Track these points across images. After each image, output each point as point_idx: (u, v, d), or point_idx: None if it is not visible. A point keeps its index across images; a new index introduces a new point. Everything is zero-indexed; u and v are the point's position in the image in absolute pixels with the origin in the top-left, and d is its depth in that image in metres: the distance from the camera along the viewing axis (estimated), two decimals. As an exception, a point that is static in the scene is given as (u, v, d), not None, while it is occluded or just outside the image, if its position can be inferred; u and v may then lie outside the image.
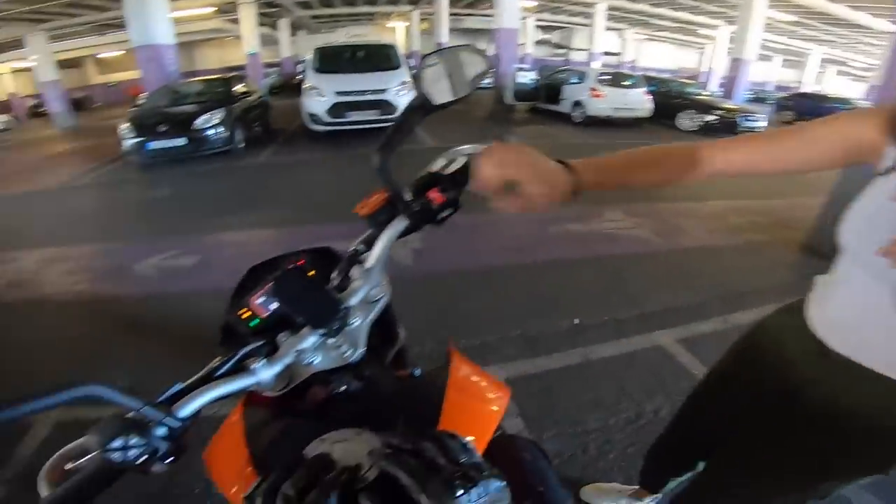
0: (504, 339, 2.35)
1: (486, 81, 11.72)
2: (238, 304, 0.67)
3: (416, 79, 0.65)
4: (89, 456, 0.46)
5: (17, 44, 14.94)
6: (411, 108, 0.64)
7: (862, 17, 13.99)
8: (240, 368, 0.55)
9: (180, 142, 6.21)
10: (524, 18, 20.56)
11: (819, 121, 0.67)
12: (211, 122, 6.36)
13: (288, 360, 0.55)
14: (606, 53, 22.41)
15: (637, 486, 1.46)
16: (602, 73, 9.68)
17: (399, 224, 0.64)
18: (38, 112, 20.38)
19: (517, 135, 9.01)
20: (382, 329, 0.77)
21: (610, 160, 0.67)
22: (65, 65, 18.81)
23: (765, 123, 9.13)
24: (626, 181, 0.70)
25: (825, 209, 3.50)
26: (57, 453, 0.47)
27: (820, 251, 3.41)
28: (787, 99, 14.84)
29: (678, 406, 1.93)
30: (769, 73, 28.56)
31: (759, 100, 20.54)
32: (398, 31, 27.29)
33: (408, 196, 0.64)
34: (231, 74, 8.40)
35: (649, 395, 1.98)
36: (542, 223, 3.93)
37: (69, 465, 0.46)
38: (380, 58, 7.97)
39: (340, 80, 7.13)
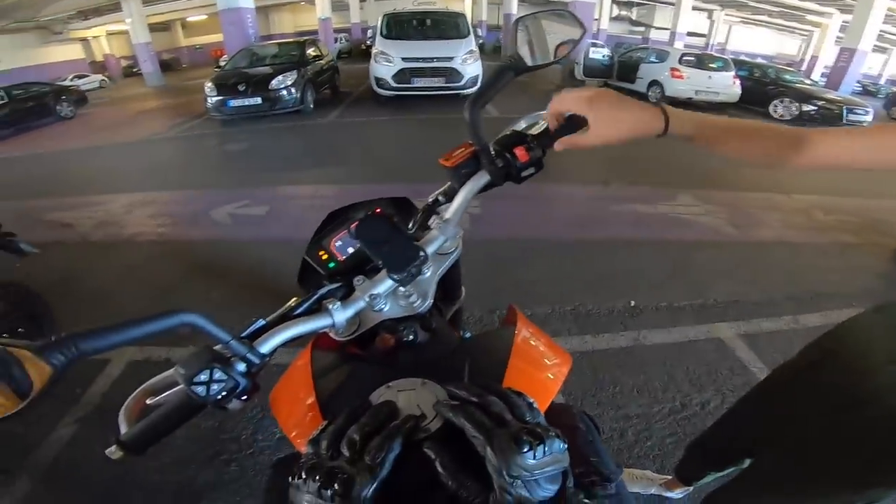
0: (555, 313, 2.33)
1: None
2: (318, 245, 0.69)
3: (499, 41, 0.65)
4: (171, 391, 0.47)
5: (114, 7, 16.13)
6: (504, 67, 0.64)
7: None
8: (316, 309, 0.56)
9: (257, 101, 6.61)
10: (601, -8, 19.40)
11: None
12: (285, 84, 6.69)
13: (361, 304, 0.57)
14: (690, 34, 20.67)
15: (669, 477, 1.44)
16: (685, 54, 9.04)
17: (481, 178, 0.64)
18: (131, 72, 22.12)
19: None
20: (447, 285, 0.79)
21: (709, 117, 0.64)
22: (155, 28, 20.10)
23: (870, 118, 8.15)
24: (721, 143, 0.64)
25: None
26: (139, 388, 0.48)
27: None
28: (902, 93, 13.03)
29: (729, 401, 1.83)
30: (886, 66, 25.23)
31: (868, 93, 18.29)
32: (466, 1, 26.67)
33: (493, 152, 0.65)
34: (304, 38, 8.64)
35: (699, 388, 1.90)
36: (608, 201, 3.82)
37: (150, 400, 0.48)
38: (447, 26, 7.90)
39: (408, 46, 7.16)
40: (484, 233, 3.11)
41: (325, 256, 0.67)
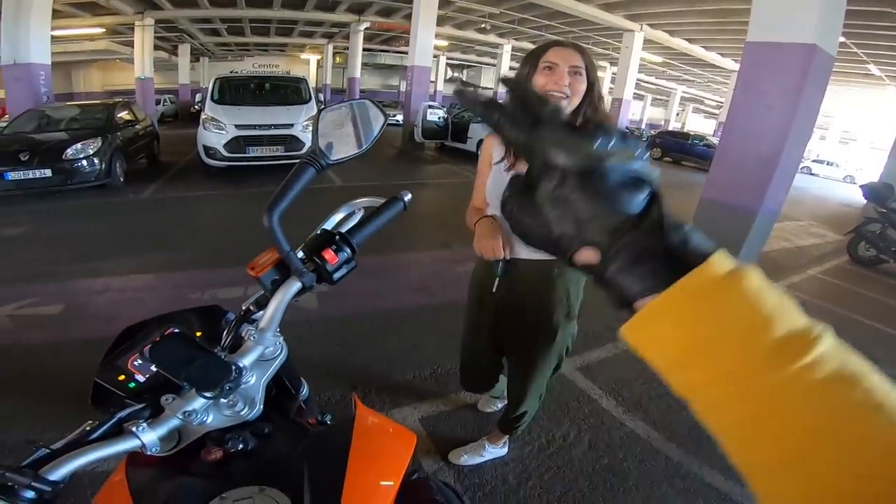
0: (416, 378, 2.35)
1: (397, 118, 11.88)
2: (113, 365, 0.62)
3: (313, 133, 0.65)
4: None
5: None
6: (304, 164, 0.62)
7: (713, 57, 15.76)
8: (118, 431, 0.51)
9: (46, 173, 5.39)
10: (436, 56, 21.27)
11: None
12: (84, 153, 5.63)
13: (174, 422, 0.52)
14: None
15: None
16: (501, 113, 10.22)
17: (292, 286, 0.62)
18: None
19: (424, 174, 9.14)
20: (283, 384, 0.77)
21: None
22: None
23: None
24: None
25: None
26: None
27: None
28: (656, 137, 16.12)
29: (584, 430, 2.06)
30: (642, 112, 31.80)
31: (633, 136, 23.14)
32: (311, 64, 26.94)
33: (301, 255, 0.63)
34: (115, 100, 7.57)
35: (557, 423, 2.10)
36: (450, 263, 4.03)
37: None
38: (288, 91, 7.76)
39: (243, 112, 6.75)
40: (335, 310, 3.00)
41: (122, 378, 0.60)
